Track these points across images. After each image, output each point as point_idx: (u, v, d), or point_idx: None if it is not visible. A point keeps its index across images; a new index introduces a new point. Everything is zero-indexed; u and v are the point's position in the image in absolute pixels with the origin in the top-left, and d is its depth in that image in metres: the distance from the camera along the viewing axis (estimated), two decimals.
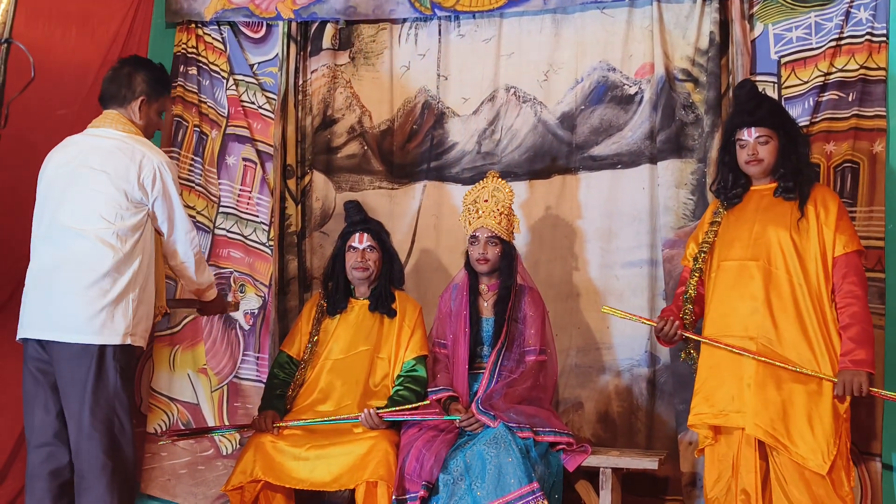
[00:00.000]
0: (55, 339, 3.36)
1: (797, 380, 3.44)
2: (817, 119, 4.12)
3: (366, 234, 4.21)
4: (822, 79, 4.13)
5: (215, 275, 4.90)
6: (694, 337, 3.64)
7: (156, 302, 3.55)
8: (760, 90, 3.88)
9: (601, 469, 3.85)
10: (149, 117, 3.62)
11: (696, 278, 3.70)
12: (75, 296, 3.34)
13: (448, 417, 3.84)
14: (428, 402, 3.88)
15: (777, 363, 3.43)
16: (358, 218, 4.28)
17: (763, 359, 3.45)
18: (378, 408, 3.86)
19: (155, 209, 3.50)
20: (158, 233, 3.57)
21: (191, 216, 4.51)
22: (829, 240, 3.49)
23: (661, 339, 3.70)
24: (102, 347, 3.33)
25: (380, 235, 4.25)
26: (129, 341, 3.38)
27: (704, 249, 3.70)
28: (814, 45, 4.19)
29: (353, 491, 3.77)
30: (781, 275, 3.51)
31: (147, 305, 3.48)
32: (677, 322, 3.64)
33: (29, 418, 3.46)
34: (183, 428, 4.76)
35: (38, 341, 3.40)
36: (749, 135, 3.62)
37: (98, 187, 3.42)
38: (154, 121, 3.66)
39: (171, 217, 3.54)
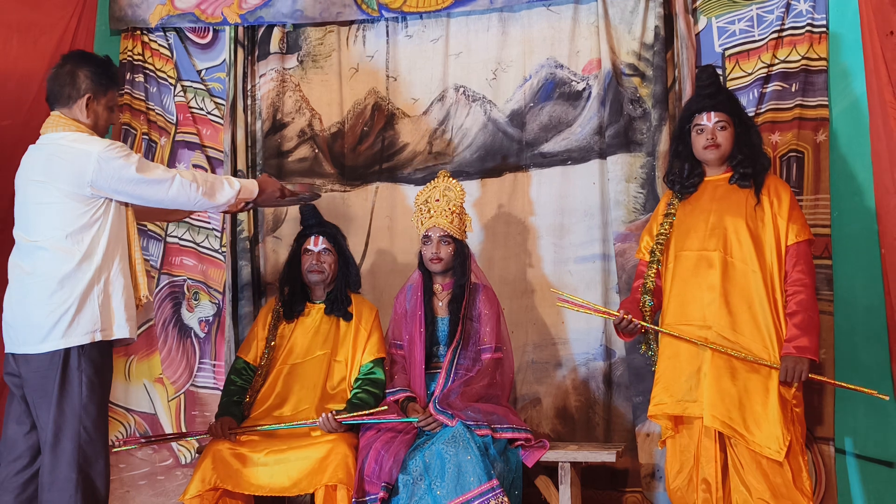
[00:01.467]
0: (24, 352, 3.31)
1: (752, 369, 3.47)
2: (762, 110, 4.19)
3: (321, 237, 4.19)
4: (765, 70, 4.20)
5: (167, 284, 4.90)
6: (653, 328, 3.66)
7: (135, 293, 3.44)
8: None
9: (560, 463, 3.85)
10: (97, 114, 3.48)
11: (653, 270, 3.72)
12: (39, 306, 3.28)
13: (406, 420, 3.83)
14: (385, 407, 3.87)
15: (729, 352, 3.46)
16: (314, 220, 4.26)
17: (717, 348, 3.47)
18: (336, 412, 3.85)
19: (119, 194, 3.37)
20: (154, 207, 3.54)
21: (141, 225, 4.49)
22: (783, 229, 3.53)
23: (620, 332, 3.71)
24: (67, 352, 3.25)
25: (335, 238, 4.24)
26: (98, 338, 3.29)
27: (661, 241, 3.72)
28: (756, 38, 4.26)
29: (313, 495, 3.75)
30: (738, 264, 3.54)
31: (118, 296, 3.36)
32: (634, 317, 3.65)
33: (4, 432, 3.41)
34: (143, 436, 4.71)
35: (12, 355, 3.35)
36: (708, 119, 3.64)
37: (44, 199, 3.36)
38: (104, 116, 3.51)
39: (140, 192, 3.39)
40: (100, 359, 3.34)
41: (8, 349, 3.38)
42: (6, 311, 3.41)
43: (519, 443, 3.79)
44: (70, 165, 3.33)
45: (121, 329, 3.38)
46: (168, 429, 4.83)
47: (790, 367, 3.42)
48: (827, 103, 4.11)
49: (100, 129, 3.51)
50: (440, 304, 4.12)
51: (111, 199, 3.38)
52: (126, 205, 3.45)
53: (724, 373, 3.47)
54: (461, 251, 4.09)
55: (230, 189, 3.59)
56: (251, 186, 3.68)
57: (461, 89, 4.74)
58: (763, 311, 3.49)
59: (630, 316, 3.64)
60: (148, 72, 4.97)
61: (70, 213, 3.32)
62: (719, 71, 4.25)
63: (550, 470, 3.89)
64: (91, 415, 3.28)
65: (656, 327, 3.66)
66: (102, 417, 3.34)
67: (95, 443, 3.29)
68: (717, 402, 3.45)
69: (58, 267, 3.29)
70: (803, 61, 4.14)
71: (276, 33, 4.91)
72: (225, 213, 3.75)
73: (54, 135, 3.43)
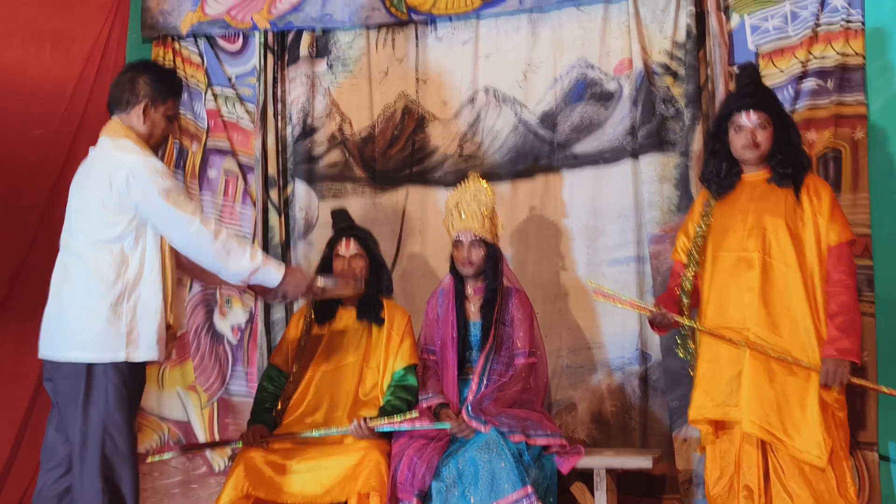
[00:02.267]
0: (50, 358, 3.31)
1: (790, 372, 3.39)
2: (798, 108, 4.12)
3: (352, 241, 4.16)
4: (800, 67, 4.13)
5: (200, 290, 4.90)
6: (689, 323, 3.58)
7: (168, 316, 3.35)
8: None
9: (595, 470, 3.81)
10: (153, 122, 3.44)
11: (691, 271, 3.64)
12: (67, 312, 3.28)
13: (438, 426, 3.79)
14: (417, 412, 3.83)
15: (768, 351, 3.39)
16: (345, 225, 4.24)
17: (756, 347, 3.40)
18: (368, 418, 3.82)
19: (140, 212, 3.29)
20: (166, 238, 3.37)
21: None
22: (824, 229, 3.45)
23: (654, 326, 3.65)
24: (90, 366, 3.22)
25: (367, 242, 4.20)
26: (123, 358, 3.24)
27: (698, 242, 3.65)
28: (790, 34, 4.19)
29: (345, 503, 3.71)
30: (777, 265, 3.47)
31: (150, 318, 3.29)
32: (667, 311, 3.58)
33: (45, 438, 3.39)
34: (182, 444, 4.72)
35: (48, 360, 3.34)
36: (748, 118, 3.55)
37: (81, 204, 3.36)
38: (161, 125, 3.47)
39: (161, 217, 3.29)
40: (129, 372, 3.29)
41: (40, 353, 3.37)
42: (45, 315, 3.39)
43: (553, 449, 3.75)
44: (104, 172, 3.31)
45: (149, 351, 3.30)
46: (201, 436, 4.83)
47: (831, 370, 3.34)
48: (865, 100, 4.02)
49: (155, 138, 3.47)
50: (472, 308, 4.09)
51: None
52: None
53: (762, 376, 3.40)
54: (493, 255, 4.05)
55: (248, 262, 3.35)
56: (274, 270, 3.40)
57: (491, 91, 4.71)
58: (803, 312, 3.42)
59: (664, 309, 3.57)
60: None
61: (101, 221, 3.29)
62: None
63: (586, 476, 3.85)
64: (117, 424, 3.24)
65: (692, 322, 3.58)
66: (130, 427, 3.29)
67: (122, 453, 3.25)
68: (756, 407, 3.38)
69: (87, 275, 3.27)
70: (839, 57, 4.07)
71: (306, 38, 4.90)
72: (249, 291, 3.60)
73: (106, 139, 3.42)
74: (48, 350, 3.33)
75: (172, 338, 3.43)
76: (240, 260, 3.34)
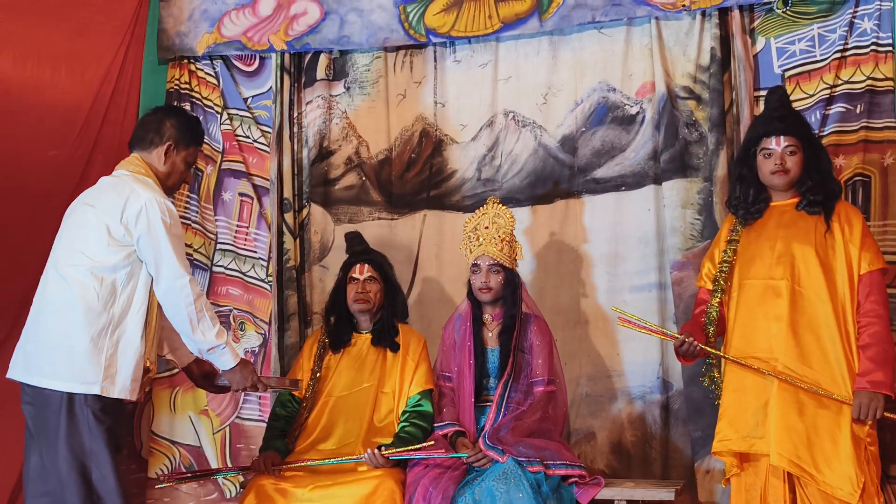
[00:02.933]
0: (29, 382, 3.28)
1: (820, 404, 3.32)
2: (825, 132, 4.07)
3: (367, 265, 4.14)
4: (828, 91, 4.09)
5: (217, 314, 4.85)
6: (716, 353, 3.52)
7: (146, 355, 3.35)
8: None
9: (615, 501, 3.75)
10: (174, 164, 3.51)
11: (717, 299, 3.59)
12: (48, 338, 3.26)
13: (455, 455, 3.74)
14: (432, 441, 3.78)
15: (798, 383, 3.32)
16: (359, 248, 4.22)
17: (784, 378, 3.34)
18: (382, 446, 3.77)
19: (140, 248, 3.31)
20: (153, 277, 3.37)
21: (188, 255, 4.45)
22: (855, 257, 3.39)
23: (680, 355, 3.58)
24: (70, 396, 3.20)
25: (381, 266, 4.18)
26: (95, 391, 3.21)
27: (724, 269, 3.59)
28: (818, 58, 4.15)
29: None
30: (807, 294, 3.41)
31: (129, 356, 3.28)
32: (694, 340, 3.52)
33: (26, 463, 3.34)
34: (184, 471, 4.66)
35: (25, 384, 3.31)
36: (777, 143, 3.50)
37: (83, 222, 3.35)
38: (180, 169, 3.53)
39: (157, 258, 3.30)
40: (109, 403, 3.27)
41: (13, 374, 3.35)
42: (24, 334, 3.38)
43: (573, 479, 3.69)
44: (118, 199, 3.32)
45: (123, 390, 3.28)
46: (213, 462, 4.78)
47: (864, 403, 3.26)
48: (894, 125, 3.97)
49: (173, 180, 3.53)
50: (490, 334, 4.04)
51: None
52: None
53: (792, 408, 3.33)
54: (511, 280, 4.00)
55: (213, 335, 3.37)
56: (231, 355, 3.45)
57: (510, 114, 4.68)
58: (833, 343, 3.35)
59: (692, 338, 3.50)
60: (195, 100, 4.97)
61: (102, 247, 3.29)
62: None
63: None
64: (100, 453, 3.22)
65: (720, 353, 3.52)
66: (115, 454, 3.27)
67: (108, 480, 3.23)
68: (785, 439, 3.31)
69: (72, 302, 3.25)
70: (868, 82, 4.02)
71: (323, 60, 4.88)
72: (195, 378, 3.72)
73: (125, 172, 3.44)
74: (26, 374, 3.29)
75: (148, 381, 3.48)
76: (207, 331, 3.37)
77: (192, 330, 3.35)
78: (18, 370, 3.33)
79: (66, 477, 3.20)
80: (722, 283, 3.59)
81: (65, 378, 3.20)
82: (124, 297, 3.30)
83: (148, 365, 3.37)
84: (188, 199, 4.89)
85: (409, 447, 3.76)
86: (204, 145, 4.87)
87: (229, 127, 4.93)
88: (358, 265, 4.15)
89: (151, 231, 3.30)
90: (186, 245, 4.63)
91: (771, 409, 3.36)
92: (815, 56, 4.16)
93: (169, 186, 3.52)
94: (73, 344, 3.22)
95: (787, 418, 3.32)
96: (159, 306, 3.37)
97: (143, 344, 3.33)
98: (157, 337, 3.42)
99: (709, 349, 3.50)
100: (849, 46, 4.07)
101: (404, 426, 3.94)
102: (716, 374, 3.62)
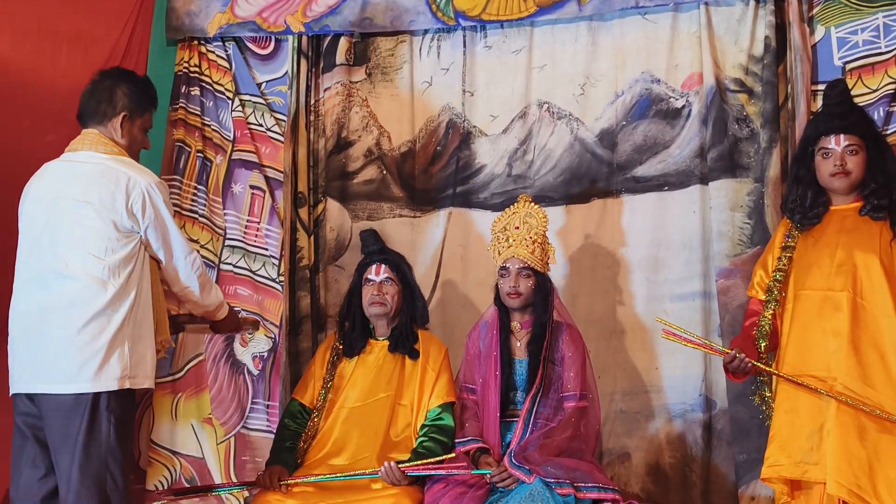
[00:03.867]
0: (45, 392, 3.26)
1: (883, 429, 3.21)
2: (889, 131, 4.05)
3: (383, 266, 4.07)
4: (893, 86, 4.08)
5: None
6: (769, 371, 3.43)
7: (157, 336, 3.45)
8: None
9: None
10: (132, 135, 3.51)
11: (770, 311, 3.51)
12: (66, 342, 3.25)
13: (477, 472, 3.66)
14: (454, 454, 3.73)
15: (862, 406, 3.21)
16: (375, 248, 4.15)
17: (846, 400, 3.23)
18: (399, 461, 3.69)
19: (148, 236, 3.39)
20: (155, 259, 3.47)
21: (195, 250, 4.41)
22: None
23: (730, 372, 3.50)
24: (97, 396, 3.23)
25: (399, 267, 4.11)
26: (127, 385, 3.28)
27: (778, 278, 3.51)
28: (883, 49, 4.13)
29: None
30: (869, 307, 3.31)
31: (146, 342, 3.38)
32: (746, 356, 3.43)
33: (15, 477, 3.36)
34: (186, 485, 4.60)
35: (28, 395, 3.31)
36: (837, 143, 3.42)
37: (83, 221, 3.31)
38: (138, 139, 3.55)
39: (166, 241, 3.43)
40: (127, 402, 3.36)
41: (20, 388, 3.35)
42: (18, 345, 3.37)
43: None
44: (116, 189, 3.33)
45: (147, 379, 3.40)
46: (216, 475, 4.72)
47: None
48: None
49: (133, 152, 3.55)
50: (518, 344, 3.96)
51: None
52: None
53: (852, 432, 3.21)
54: (543, 285, 3.93)
55: (217, 294, 3.68)
56: (227, 306, 3.78)
57: (545, 105, 4.64)
58: None
59: (743, 354, 3.40)
60: (204, 84, 4.89)
61: (109, 243, 3.32)
62: None
63: None
64: (118, 460, 3.28)
65: (773, 370, 3.43)
66: (127, 463, 3.35)
67: (121, 490, 3.29)
68: (844, 466, 3.19)
69: (89, 300, 3.27)
70: None
71: (343, 43, 4.82)
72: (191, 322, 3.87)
73: (93, 153, 3.42)
74: (37, 383, 3.29)
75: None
76: (215, 293, 3.68)
77: (202, 296, 3.61)
78: (28, 382, 3.32)
79: (80, 486, 3.22)
80: (776, 293, 3.51)
81: (90, 378, 3.23)
82: (135, 286, 3.36)
83: (162, 342, 3.51)
84: (196, 191, 4.84)
85: (429, 462, 3.70)
86: (213, 133, 4.90)
87: (241, 114, 4.86)
88: (374, 266, 4.08)
89: (158, 217, 3.40)
90: (193, 240, 4.69)
91: (828, 432, 3.26)
92: (879, 47, 4.12)
93: (131, 157, 3.53)
94: (97, 343, 3.25)
95: (846, 443, 3.22)
96: (161, 281, 3.52)
97: (154, 329, 3.44)
98: (165, 311, 3.57)
99: (761, 366, 3.42)
100: None
101: (423, 441, 3.86)
102: (767, 393, 3.53)
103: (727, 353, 3.45)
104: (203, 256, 4.76)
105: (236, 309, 4.13)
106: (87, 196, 3.32)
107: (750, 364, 3.40)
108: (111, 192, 3.31)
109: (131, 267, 3.33)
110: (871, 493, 3.17)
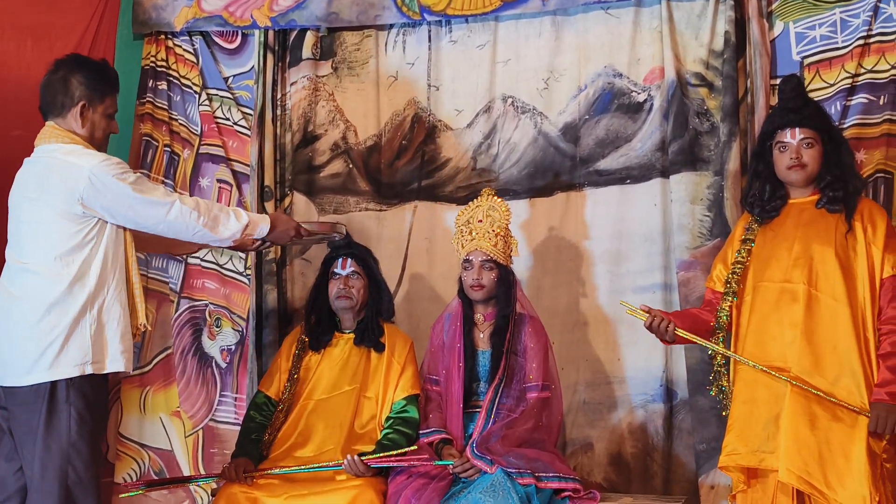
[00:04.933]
0: (8, 385, 3.27)
1: (834, 417, 3.27)
2: (845, 125, 4.02)
3: (349, 260, 4.10)
4: (849, 81, 4.04)
5: (188, 309, 4.82)
6: (690, 338, 3.48)
7: (132, 321, 3.39)
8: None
9: None
10: (93, 123, 3.43)
11: (728, 303, 3.55)
12: (25, 334, 3.25)
13: (440, 462, 3.70)
14: (416, 447, 3.75)
15: (816, 392, 3.27)
16: (341, 242, 4.16)
17: (799, 384, 3.28)
18: (362, 454, 3.73)
19: (115, 217, 3.31)
20: (148, 233, 3.41)
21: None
22: (878, 260, 3.34)
23: (660, 337, 3.56)
24: (54, 386, 3.21)
25: (365, 261, 4.14)
26: (88, 371, 3.24)
27: (736, 270, 3.55)
28: (840, 45, 4.10)
29: None
30: (825, 298, 3.36)
31: (114, 325, 3.32)
32: (666, 320, 3.50)
33: None
34: (153, 478, 4.63)
35: (2, 387, 3.31)
36: (792, 136, 3.46)
37: (36, 217, 3.31)
38: (102, 125, 3.46)
39: (136, 212, 3.32)
40: (92, 393, 3.29)
41: None
42: None
43: (566, 493, 3.64)
44: (61, 181, 3.29)
45: (115, 362, 3.32)
46: (185, 467, 4.76)
47: (882, 416, 3.19)
48: None
49: (97, 140, 3.46)
50: (481, 335, 4.00)
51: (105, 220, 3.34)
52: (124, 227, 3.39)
53: (803, 420, 3.27)
54: (505, 278, 3.96)
55: (236, 222, 3.49)
56: (261, 222, 3.57)
57: (509, 100, 4.63)
58: (850, 351, 3.28)
59: (662, 317, 3.48)
60: (172, 79, 4.92)
61: (61, 233, 3.28)
62: None
63: None
64: (81, 453, 3.23)
65: (695, 338, 3.48)
66: (94, 456, 3.31)
67: (85, 484, 3.25)
68: (795, 455, 3.25)
69: (46, 291, 3.25)
70: (893, 71, 3.96)
71: (310, 38, 4.82)
72: (234, 249, 3.69)
73: (48, 146, 3.39)
74: (3, 377, 3.29)
75: (151, 340, 3.64)
76: (229, 224, 3.47)
77: (218, 235, 3.46)
78: None
79: (41, 480, 3.20)
80: (734, 285, 3.55)
81: (49, 367, 3.21)
82: (95, 268, 3.30)
83: (134, 329, 3.41)
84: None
85: (392, 454, 3.72)
86: (181, 127, 4.89)
87: (208, 108, 4.88)
88: (340, 260, 4.10)
89: (116, 194, 3.28)
90: None
91: (782, 421, 3.32)
92: (836, 42, 4.10)
93: (96, 146, 3.44)
94: (54, 332, 3.23)
95: (797, 431, 3.28)
96: (136, 264, 3.42)
97: (127, 309, 3.37)
98: (142, 293, 3.43)
99: (684, 333, 3.47)
100: (873, 33, 4.01)
101: (388, 433, 3.90)
102: (724, 384, 3.57)
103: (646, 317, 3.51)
104: None
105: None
106: (39, 191, 3.30)
107: (674, 331, 3.46)
108: (57, 184, 3.28)
109: (86, 253, 3.28)
110: (821, 481, 3.22)
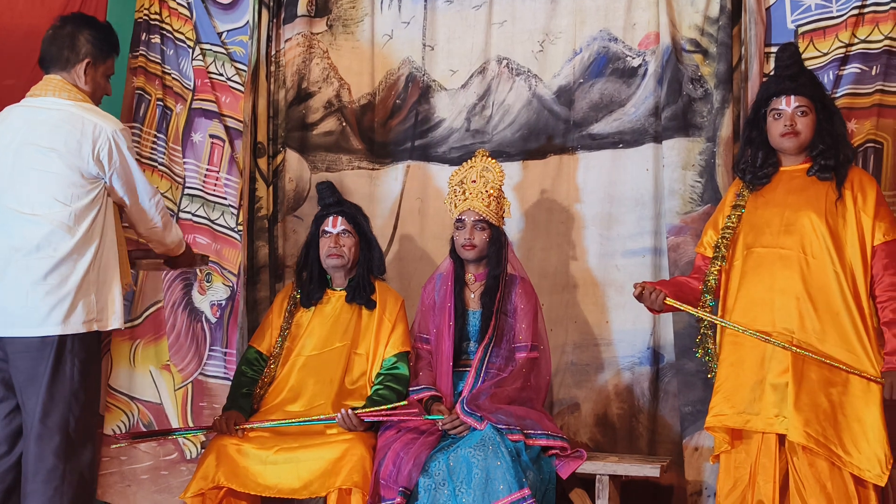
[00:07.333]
0: (12, 335, 3.30)
1: (845, 381, 3.34)
2: (837, 94, 4.04)
3: (340, 218, 4.12)
4: (843, 50, 4.06)
5: None
6: (679, 306, 3.53)
7: (122, 280, 3.49)
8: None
9: (598, 476, 3.78)
10: (95, 81, 3.52)
11: (716, 267, 3.60)
12: (33, 286, 3.29)
13: (430, 417, 3.77)
14: (407, 402, 3.81)
15: (821, 359, 3.33)
16: (332, 200, 4.19)
17: (796, 349, 3.34)
18: (355, 408, 3.78)
19: (113, 182, 3.43)
20: (119, 204, 3.51)
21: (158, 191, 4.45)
22: (868, 227, 3.41)
23: (648, 306, 3.62)
24: (62, 339, 3.28)
25: (356, 219, 4.17)
26: (94, 328, 3.35)
27: (726, 236, 3.60)
28: (834, 14, 4.12)
29: (325, 498, 3.69)
30: (817, 264, 3.41)
31: (111, 285, 3.42)
32: (657, 289, 3.55)
33: None
34: (143, 430, 4.67)
35: None
36: (787, 103, 3.51)
37: (49, 167, 3.34)
38: (101, 85, 3.56)
39: (131, 186, 3.47)
40: (94, 345, 3.40)
41: None
42: None
43: (553, 451, 3.71)
44: (82, 137, 3.35)
45: (116, 319, 3.44)
46: (174, 420, 4.78)
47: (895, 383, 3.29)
48: None
49: (96, 98, 3.56)
50: (472, 295, 4.04)
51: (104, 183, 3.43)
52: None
53: (815, 383, 3.34)
54: (497, 238, 4.01)
55: (177, 231, 3.74)
56: (185, 242, 3.83)
57: (504, 61, 4.66)
58: (850, 317, 3.35)
59: (653, 288, 3.53)
60: (165, 33, 4.89)
61: (75, 189, 3.35)
62: None
63: (587, 483, 3.82)
64: (81, 402, 3.32)
65: (686, 307, 3.53)
66: (92, 406, 3.42)
67: (84, 432, 3.34)
68: (810, 416, 3.30)
69: (57, 245, 3.31)
70: (886, 42, 4.00)
71: None
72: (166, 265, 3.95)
73: (57, 100, 3.43)
74: (9, 327, 3.31)
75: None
76: (175, 230, 3.73)
77: (166, 235, 3.66)
78: None
79: (43, 427, 3.27)
80: (723, 250, 3.60)
81: (59, 322, 3.28)
82: (99, 231, 3.39)
83: (125, 285, 3.53)
84: (155, 140, 4.85)
85: (384, 408, 3.78)
86: (174, 82, 4.86)
87: (202, 63, 4.86)
88: (331, 218, 4.13)
89: (123, 163, 3.43)
90: None
91: (786, 382, 3.36)
92: (831, 11, 4.12)
93: (95, 103, 3.53)
94: (64, 288, 3.30)
95: (811, 394, 3.33)
96: (124, 227, 3.58)
97: (119, 270, 3.47)
98: (125, 255, 3.56)
99: (677, 304, 3.52)
100: (868, 3, 4.03)
101: (378, 389, 3.94)
102: (711, 346, 3.61)
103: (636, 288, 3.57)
104: None
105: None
106: (52, 142, 3.34)
107: (663, 300, 3.51)
108: (77, 139, 3.34)
109: (94, 213, 3.36)
110: (836, 444, 3.29)
